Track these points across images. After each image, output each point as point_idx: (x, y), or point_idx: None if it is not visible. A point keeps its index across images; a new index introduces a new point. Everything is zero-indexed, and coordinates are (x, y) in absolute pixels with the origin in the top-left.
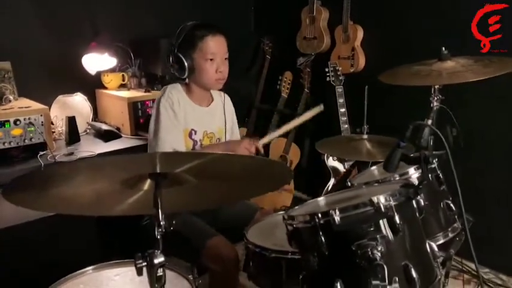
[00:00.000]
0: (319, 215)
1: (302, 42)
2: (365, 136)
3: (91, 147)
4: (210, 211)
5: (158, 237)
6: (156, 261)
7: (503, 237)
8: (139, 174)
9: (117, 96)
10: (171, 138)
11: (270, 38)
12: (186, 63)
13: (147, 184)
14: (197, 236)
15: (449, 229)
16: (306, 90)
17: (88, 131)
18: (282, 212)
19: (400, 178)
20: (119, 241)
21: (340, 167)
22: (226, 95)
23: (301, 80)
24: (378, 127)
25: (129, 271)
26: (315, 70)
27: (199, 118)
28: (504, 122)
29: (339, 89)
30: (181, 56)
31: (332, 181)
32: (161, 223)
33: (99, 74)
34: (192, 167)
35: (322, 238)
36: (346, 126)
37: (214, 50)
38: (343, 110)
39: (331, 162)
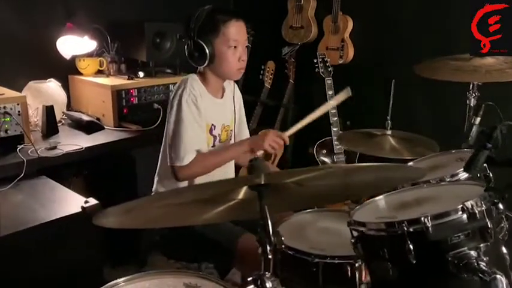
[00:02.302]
0: (406, 223)
1: (288, 31)
2: (389, 132)
3: (73, 140)
4: None
5: (269, 256)
6: (268, 285)
7: None
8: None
9: (98, 83)
10: (196, 139)
11: (251, 25)
12: (207, 50)
13: (242, 193)
14: (225, 237)
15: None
16: (291, 81)
17: (63, 121)
18: (309, 210)
19: (452, 178)
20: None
21: (329, 161)
22: (235, 83)
23: (286, 71)
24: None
25: (161, 283)
26: (300, 60)
27: (217, 111)
28: None
29: (328, 81)
30: (201, 42)
31: None
32: (272, 239)
33: (73, 59)
34: (302, 178)
35: (411, 247)
36: (336, 118)
37: (238, 36)
38: (332, 102)
39: (321, 156)
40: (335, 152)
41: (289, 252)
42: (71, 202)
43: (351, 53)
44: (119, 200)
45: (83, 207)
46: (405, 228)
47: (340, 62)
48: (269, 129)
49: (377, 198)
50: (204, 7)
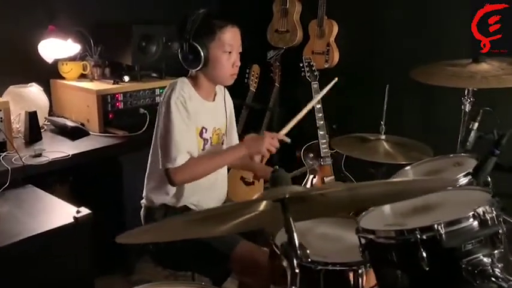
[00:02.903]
0: (419, 230)
1: (273, 35)
2: (382, 136)
3: (58, 147)
4: None
5: (297, 270)
6: None
7: None
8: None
9: (82, 88)
10: (187, 141)
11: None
12: (202, 54)
13: (263, 205)
14: (222, 244)
15: None
16: (276, 84)
17: (46, 127)
18: None
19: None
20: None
21: (316, 163)
22: (225, 89)
23: (271, 75)
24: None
25: None
26: (285, 64)
27: (208, 114)
28: None
29: (315, 85)
30: (197, 45)
31: (311, 177)
32: (298, 252)
33: (55, 63)
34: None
35: (424, 254)
36: (322, 122)
37: (233, 41)
38: (319, 106)
39: (308, 158)
40: (322, 155)
41: None
42: (61, 212)
43: (336, 57)
44: (105, 208)
45: (75, 218)
46: (418, 236)
47: (326, 66)
48: (264, 132)
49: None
50: (199, 10)
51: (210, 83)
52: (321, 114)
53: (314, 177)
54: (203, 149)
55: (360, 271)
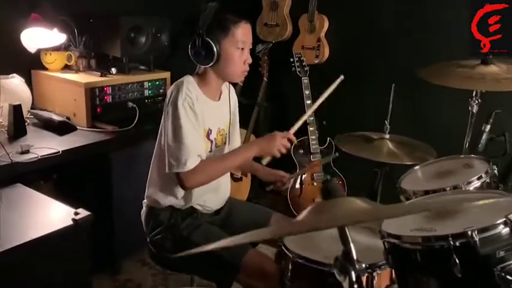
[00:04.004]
0: (451, 237)
1: (263, 28)
2: (387, 136)
3: (46, 143)
4: (219, 216)
5: (355, 286)
6: None
7: None
8: None
9: (69, 80)
10: (196, 143)
11: None
12: (215, 50)
13: None
14: (228, 252)
15: None
16: (264, 79)
17: (28, 120)
18: None
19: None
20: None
21: (305, 160)
22: (231, 85)
23: (259, 69)
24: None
25: None
26: (274, 59)
27: (213, 115)
28: None
29: (305, 80)
30: (210, 41)
31: (301, 174)
32: (356, 266)
33: (37, 53)
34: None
35: (457, 261)
36: (312, 118)
37: (246, 38)
38: (309, 101)
39: (298, 155)
40: (311, 151)
41: (301, 262)
42: (57, 214)
43: (326, 52)
44: (92, 206)
45: (74, 220)
46: (451, 243)
47: (316, 61)
48: (275, 132)
49: None
50: (210, 3)
51: (218, 80)
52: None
53: (303, 173)
54: (210, 151)
55: (374, 274)
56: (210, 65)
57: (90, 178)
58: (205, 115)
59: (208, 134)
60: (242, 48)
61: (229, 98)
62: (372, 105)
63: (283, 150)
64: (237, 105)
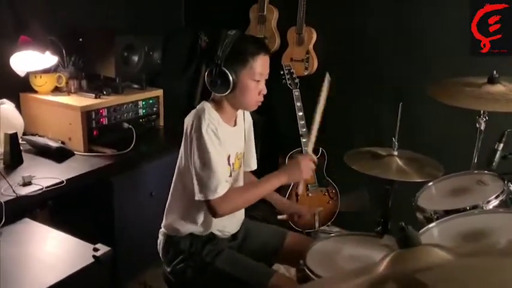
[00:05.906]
0: None
1: None
2: (395, 152)
3: (46, 172)
4: (237, 241)
5: None
6: None
7: None
8: None
9: (62, 103)
10: (222, 169)
11: (207, 33)
12: (231, 80)
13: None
14: (254, 276)
15: None
16: None
17: (22, 147)
18: (333, 235)
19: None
20: None
21: None
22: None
23: None
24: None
25: None
26: None
27: (232, 140)
28: None
29: (296, 93)
30: (226, 71)
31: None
32: None
33: (26, 76)
34: None
35: None
36: (304, 129)
37: (263, 70)
38: (301, 113)
39: None
40: None
41: None
42: (76, 251)
43: (315, 64)
44: (94, 234)
45: (95, 257)
46: None
47: (306, 73)
48: (297, 156)
49: (430, 226)
50: (230, 31)
51: (233, 108)
52: (303, 122)
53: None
54: (230, 175)
55: None
56: (225, 94)
57: (88, 203)
58: (226, 140)
59: (229, 159)
60: (258, 80)
61: (244, 121)
62: (362, 115)
63: (310, 174)
64: (252, 127)
